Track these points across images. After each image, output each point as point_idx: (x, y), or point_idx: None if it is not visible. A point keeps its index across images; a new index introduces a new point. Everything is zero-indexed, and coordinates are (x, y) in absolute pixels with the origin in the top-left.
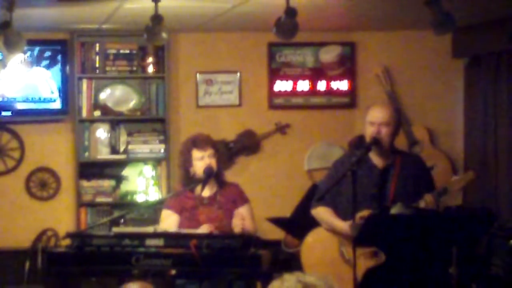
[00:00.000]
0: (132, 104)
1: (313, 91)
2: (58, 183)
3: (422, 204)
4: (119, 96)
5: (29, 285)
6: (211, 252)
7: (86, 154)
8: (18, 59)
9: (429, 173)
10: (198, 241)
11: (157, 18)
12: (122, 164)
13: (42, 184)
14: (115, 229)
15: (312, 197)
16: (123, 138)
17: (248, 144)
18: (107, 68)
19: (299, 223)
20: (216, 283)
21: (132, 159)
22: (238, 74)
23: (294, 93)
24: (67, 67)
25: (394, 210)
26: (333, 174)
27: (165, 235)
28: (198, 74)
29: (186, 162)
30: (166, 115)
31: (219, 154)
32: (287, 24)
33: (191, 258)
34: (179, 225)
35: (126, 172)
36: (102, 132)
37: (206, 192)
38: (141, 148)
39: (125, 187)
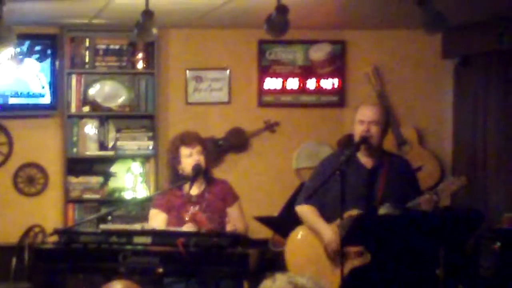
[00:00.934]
0: (121, 100)
1: (302, 89)
2: (46, 179)
3: (421, 200)
4: (108, 92)
5: (16, 282)
6: (199, 251)
7: (75, 150)
8: (8, 54)
9: (415, 175)
10: (186, 239)
11: (148, 14)
12: (110, 160)
13: (29, 180)
14: (103, 226)
15: None
16: (112, 134)
17: (237, 142)
18: (97, 64)
19: (287, 222)
20: (204, 281)
21: (120, 155)
22: (228, 71)
23: (283, 91)
24: (57, 62)
25: (382, 211)
26: (320, 172)
27: (153, 233)
28: (187, 71)
29: (174, 159)
30: (155, 111)
31: (208, 151)
32: (278, 22)
33: (178, 256)
34: (167, 224)
35: (114, 168)
36: (90, 128)
37: (195, 190)
38: (129, 145)
39: (113, 183)
